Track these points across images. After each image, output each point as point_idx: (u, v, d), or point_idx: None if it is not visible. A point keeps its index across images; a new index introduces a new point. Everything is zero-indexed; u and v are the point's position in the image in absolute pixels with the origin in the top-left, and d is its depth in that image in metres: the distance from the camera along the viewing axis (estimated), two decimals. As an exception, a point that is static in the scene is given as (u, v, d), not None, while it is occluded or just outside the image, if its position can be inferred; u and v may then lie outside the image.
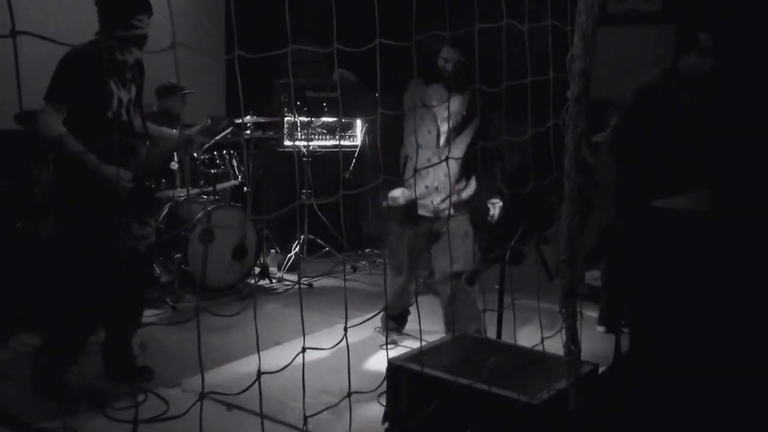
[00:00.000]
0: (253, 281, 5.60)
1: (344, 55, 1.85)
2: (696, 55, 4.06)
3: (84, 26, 3.44)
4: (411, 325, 4.45)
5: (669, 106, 4.06)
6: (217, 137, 4.85)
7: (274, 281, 5.76)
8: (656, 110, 4.10)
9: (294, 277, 5.88)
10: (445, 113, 3.83)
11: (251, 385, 1.72)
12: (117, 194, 3.28)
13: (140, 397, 3.47)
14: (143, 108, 3.62)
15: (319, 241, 6.26)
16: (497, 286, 3.87)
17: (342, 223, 5.87)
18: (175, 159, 5.04)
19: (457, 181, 4.04)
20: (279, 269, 6.01)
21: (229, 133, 4.90)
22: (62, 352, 3.46)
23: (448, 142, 3.89)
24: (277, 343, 4.27)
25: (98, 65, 3.20)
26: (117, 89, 3.36)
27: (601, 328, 4.63)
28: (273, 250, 6.32)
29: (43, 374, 3.44)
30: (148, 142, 3.68)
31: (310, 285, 5.67)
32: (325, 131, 6.70)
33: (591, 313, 4.92)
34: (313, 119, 6.48)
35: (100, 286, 3.36)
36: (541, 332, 2.57)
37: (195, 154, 5.45)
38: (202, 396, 1.55)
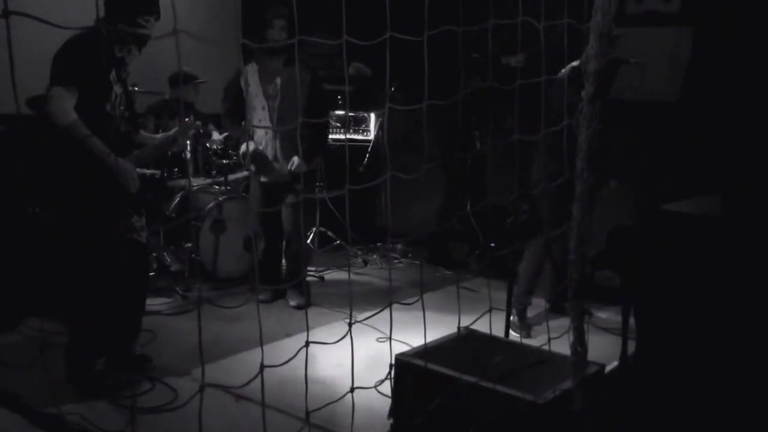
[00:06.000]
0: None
1: (364, 48, 1.84)
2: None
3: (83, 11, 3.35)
4: (412, 324, 4.43)
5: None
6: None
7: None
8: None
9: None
10: None
11: (254, 378, 1.74)
12: (123, 188, 3.24)
13: (146, 386, 3.47)
14: (132, 107, 3.51)
15: (329, 233, 6.27)
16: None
17: (347, 216, 5.84)
18: (188, 149, 5.06)
19: None
20: (290, 261, 6.01)
21: (198, 130, 4.71)
22: (93, 343, 3.45)
23: None
24: (288, 335, 4.29)
25: (101, 55, 3.11)
26: (114, 83, 3.26)
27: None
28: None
29: (76, 365, 3.42)
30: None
31: (321, 278, 5.68)
32: (338, 125, 6.70)
33: (601, 314, 4.90)
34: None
35: (108, 278, 3.32)
36: (548, 332, 2.57)
37: (208, 144, 5.47)
38: (202, 388, 1.57)
